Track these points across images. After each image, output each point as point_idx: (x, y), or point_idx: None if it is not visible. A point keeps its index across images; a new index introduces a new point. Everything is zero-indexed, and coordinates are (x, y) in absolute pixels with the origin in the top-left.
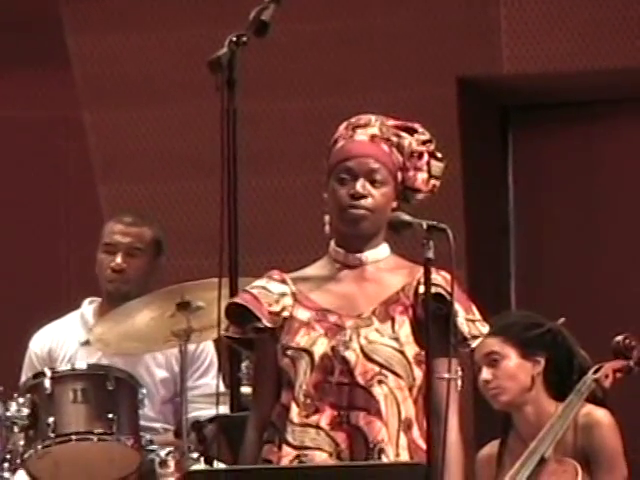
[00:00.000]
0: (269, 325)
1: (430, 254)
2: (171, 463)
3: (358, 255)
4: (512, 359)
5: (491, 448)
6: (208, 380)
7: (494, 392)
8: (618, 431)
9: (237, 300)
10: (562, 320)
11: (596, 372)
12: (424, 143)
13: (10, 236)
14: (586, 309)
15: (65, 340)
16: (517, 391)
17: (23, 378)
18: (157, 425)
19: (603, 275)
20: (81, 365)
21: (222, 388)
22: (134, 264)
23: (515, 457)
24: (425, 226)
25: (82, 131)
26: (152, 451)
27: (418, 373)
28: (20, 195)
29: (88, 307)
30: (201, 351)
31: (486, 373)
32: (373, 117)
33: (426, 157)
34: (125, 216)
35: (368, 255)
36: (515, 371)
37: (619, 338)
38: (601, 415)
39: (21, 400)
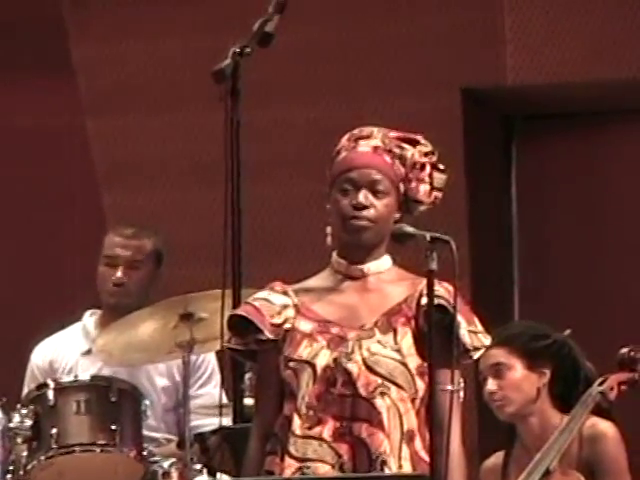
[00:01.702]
0: (271, 337)
1: (433, 265)
2: (174, 474)
3: (360, 266)
4: (518, 370)
5: (496, 459)
6: (209, 389)
7: (499, 403)
8: (623, 444)
9: (239, 312)
10: (568, 331)
11: (601, 384)
12: (426, 154)
13: (13, 246)
14: (590, 320)
15: (66, 351)
16: (522, 402)
17: (25, 391)
18: (158, 435)
19: (608, 286)
20: (84, 376)
21: (224, 399)
22: (135, 277)
23: (520, 468)
24: (428, 238)
25: (86, 139)
26: (155, 462)
27: (420, 385)
28: (23, 203)
29: (89, 319)
30: (202, 361)
31: (491, 384)
32: (375, 129)
33: (428, 169)
34: (125, 228)
35: (370, 266)
36: (521, 382)
37: (624, 350)
38: (606, 427)
39: (24, 411)
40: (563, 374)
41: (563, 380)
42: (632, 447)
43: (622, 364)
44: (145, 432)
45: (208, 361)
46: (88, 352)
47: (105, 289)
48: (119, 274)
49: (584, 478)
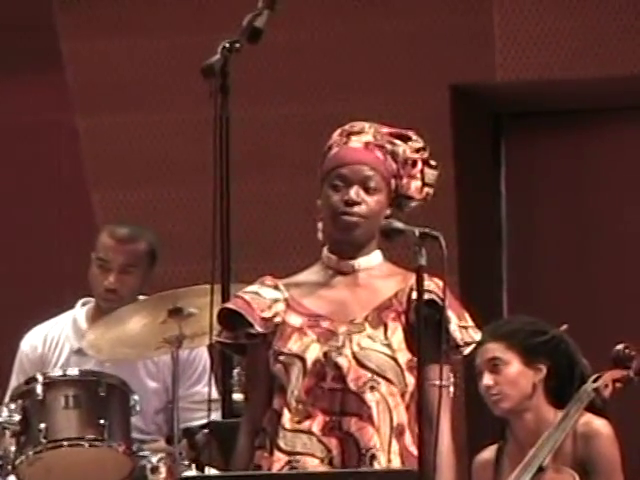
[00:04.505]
0: (261, 331)
1: (422, 261)
2: (163, 469)
3: (351, 262)
4: (514, 366)
5: (489, 453)
6: (199, 389)
7: (495, 398)
8: (617, 441)
9: (229, 305)
10: (565, 327)
11: (595, 381)
12: (418, 151)
13: (3, 240)
14: (579, 316)
15: (57, 345)
16: (518, 398)
17: (13, 379)
18: (148, 438)
19: (597, 282)
20: (73, 371)
21: (215, 395)
22: (128, 282)
23: (513, 463)
24: (417, 233)
25: (75, 136)
26: (144, 457)
27: (410, 379)
28: (13, 199)
29: (81, 310)
30: (194, 358)
31: (488, 379)
32: (367, 124)
33: (420, 165)
34: (118, 228)
35: (361, 262)
36: (517, 378)
37: (619, 347)
38: (600, 425)
39: (12, 406)
40: (559, 370)
41: (559, 376)
42: (626, 445)
43: (616, 361)
44: (134, 435)
45: (200, 358)
46: (79, 351)
47: (97, 292)
48: (111, 279)
49: (577, 475)
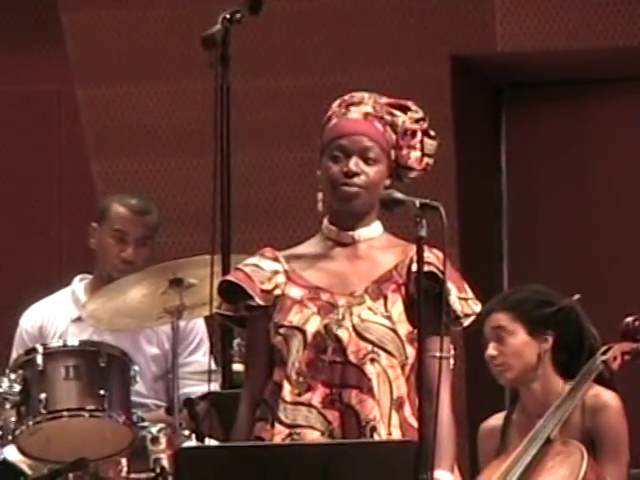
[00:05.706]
0: (261, 303)
1: (423, 232)
2: (163, 440)
3: (351, 233)
4: (519, 336)
5: (496, 420)
6: (198, 357)
7: (499, 368)
8: (624, 415)
9: (229, 278)
10: (577, 297)
11: (604, 353)
12: (417, 121)
13: (1, 211)
14: (580, 289)
15: (56, 316)
16: (522, 368)
17: (14, 353)
18: (148, 401)
19: (598, 254)
20: (73, 341)
21: (213, 365)
22: (143, 253)
23: (520, 432)
24: (417, 204)
25: (75, 106)
26: (144, 428)
27: (410, 351)
28: (13, 170)
29: (79, 284)
30: (191, 328)
31: (492, 348)
32: (366, 95)
33: (419, 135)
34: (131, 200)
35: (361, 233)
36: (521, 348)
37: (629, 320)
38: (609, 397)
39: (13, 376)
40: (567, 341)
41: (567, 347)
42: (632, 418)
43: (626, 334)
44: (134, 398)
45: (197, 328)
46: (78, 319)
47: (112, 263)
48: (130, 251)
49: (585, 448)
